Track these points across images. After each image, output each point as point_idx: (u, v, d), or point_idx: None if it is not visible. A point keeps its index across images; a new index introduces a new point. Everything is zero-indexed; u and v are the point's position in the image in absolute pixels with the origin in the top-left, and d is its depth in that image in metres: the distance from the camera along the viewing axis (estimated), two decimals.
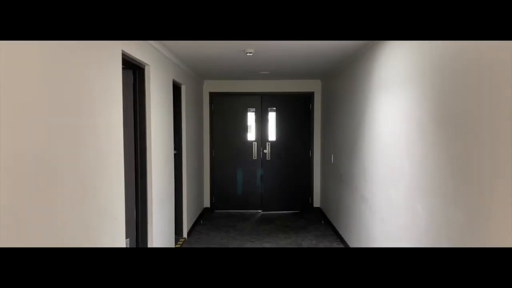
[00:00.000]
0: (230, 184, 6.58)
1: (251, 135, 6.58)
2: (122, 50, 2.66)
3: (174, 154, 4.52)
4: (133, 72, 3.24)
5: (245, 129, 6.57)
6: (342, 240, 4.79)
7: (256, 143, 6.55)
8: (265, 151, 6.55)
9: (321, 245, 4.77)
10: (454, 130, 2.06)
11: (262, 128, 6.55)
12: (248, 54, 4.04)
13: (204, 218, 6.05)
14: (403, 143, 2.80)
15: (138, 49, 3.02)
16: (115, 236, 2.49)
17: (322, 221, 5.90)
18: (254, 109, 6.55)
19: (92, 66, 2.17)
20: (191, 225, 5.31)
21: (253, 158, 6.54)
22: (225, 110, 6.54)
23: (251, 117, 6.56)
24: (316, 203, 6.56)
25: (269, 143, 6.55)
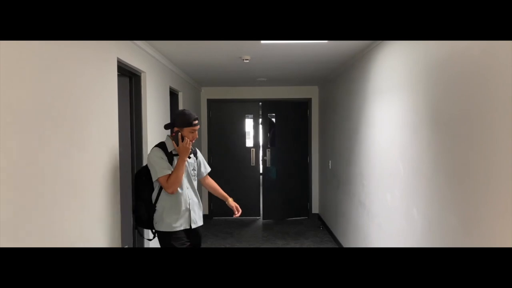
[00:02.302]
0: (228, 190, 6.54)
1: (249, 142, 6.58)
2: (118, 58, 2.68)
3: None
4: (129, 79, 3.25)
5: (243, 135, 6.58)
6: (340, 245, 4.77)
7: (254, 149, 6.55)
8: (264, 157, 6.55)
9: None
10: (449, 134, 2.06)
11: (260, 135, 6.55)
12: (245, 60, 4.06)
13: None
14: (398, 147, 2.81)
15: (133, 56, 3.03)
16: (110, 243, 2.49)
17: (321, 227, 5.89)
18: (252, 116, 6.56)
19: (87, 73, 2.18)
20: None
21: (252, 164, 6.54)
22: (223, 117, 6.55)
23: (249, 123, 6.57)
24: (315, 209, 6.55)
25: (267, 149, 6.55)
